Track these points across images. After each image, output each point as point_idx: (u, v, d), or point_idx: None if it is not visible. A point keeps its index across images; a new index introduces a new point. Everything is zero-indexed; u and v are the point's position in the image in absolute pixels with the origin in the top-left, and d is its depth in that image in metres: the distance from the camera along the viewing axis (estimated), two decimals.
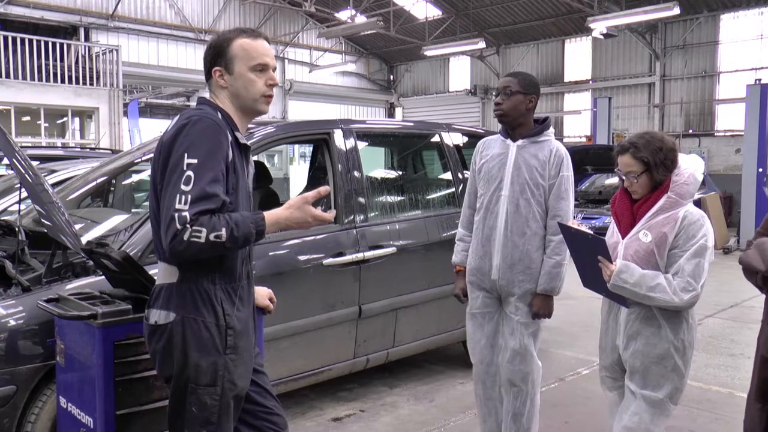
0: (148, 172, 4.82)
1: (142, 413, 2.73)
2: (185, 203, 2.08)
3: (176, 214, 2.07)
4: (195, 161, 2.12)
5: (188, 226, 2.06)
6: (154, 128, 18.72)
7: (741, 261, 2.65)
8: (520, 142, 3.49)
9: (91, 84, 16.30)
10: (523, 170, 3.44)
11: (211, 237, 2.08)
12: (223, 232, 2.09)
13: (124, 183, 5.30)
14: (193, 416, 2.25)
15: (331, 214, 2.34)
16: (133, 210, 4.94)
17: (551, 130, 3.54)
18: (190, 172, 2.11)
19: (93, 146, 13.81)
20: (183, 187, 2.09)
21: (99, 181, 4.64)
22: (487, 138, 3.73)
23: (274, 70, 2.40)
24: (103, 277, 3.05)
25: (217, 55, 2.34)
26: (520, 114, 3.45)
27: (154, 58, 21.38)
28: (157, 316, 2.27)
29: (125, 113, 17.86)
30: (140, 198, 5.74)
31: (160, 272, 2.31)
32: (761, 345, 2.55)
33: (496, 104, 3.48)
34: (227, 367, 2.26)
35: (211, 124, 2.21)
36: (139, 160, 4.54)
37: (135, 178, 5.38)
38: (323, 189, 2.31)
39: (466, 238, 3.73)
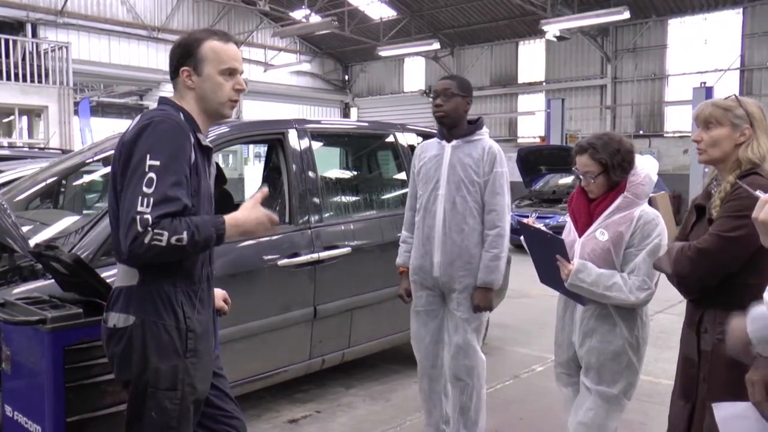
0: (101, 172, 4.78)
1: (94, 419, 2.67)
2: (147, 206, 2.05)
3: (138, 217, 2.04)
4: (157, 163, 2.10)
5: (149, 229, 2.04)
6: (107, 128, 18.38)
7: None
8: (454, 142, 3.62)
9: (40, 82, 15.88)
10: (458, 169, 3.57)
11: (173, 240, 2.06)
12: (185, 235, 2.08)
13: (75, 184, 5.19)
14: (152, 421, 2.22)
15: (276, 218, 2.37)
16: (84, 211, 4.83)
17: (484, 129, 3.67)
18: (152, 174, 2.08)
19: (42, 146, 13.47)
20: (145, 189, 2.07)
21: (48, 181, 4.54)
22: (424, 142, 3.85)
23: (241, 74, 2.38)
24: (53, 280, 2.98)
25: (187, 55, 2.30)
26: (459, 115, 3.60)
27: (105, 56, 20.96)
28: (116, 319, 2.23)
29: (76, 112, 17.48)
30: (92, 199, 5.62)
31: (119, 274, 2.27)
32: (682, 345, 2.65)
33: (437, 106, 3.59)
34: (187, 370, 2.24)
35: (174, 125, 2.18)
36: (91, 160, 4.45)
37: (86, 178, 5.27)
38: (263, 191, 2.36)
39: (409, 240, 3.86)
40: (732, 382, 2.38)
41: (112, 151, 2.29)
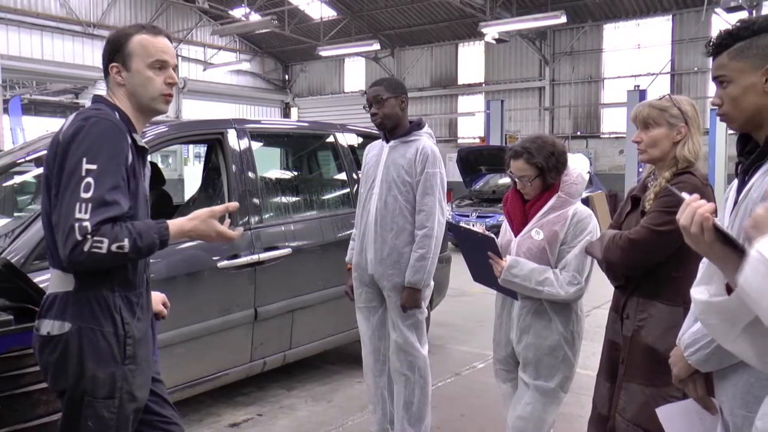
0: (33, 173, 4.63)
1: (26, 431, 2.60)
2: (85, 212, 2.00)
3: (76, 224, 1.99)
4: (94, 167, 2.04)
5: (89, 236, 1.99)
6: (40, 127, 17.78)
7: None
8: (392, 143, 3.69)
9: None
10: (391, 169, 3.63)
11: (113, 248, 2.02)
12: (126, 242, 2.04)
13: (5, 185, 5.02)
14: (89, 431, 2.16)
15: (237, 232, 2.34)
16: (15, 214, 4.68)
17: (424, 130, 3.71)
18: (89, 179, 2.03)
19: None
20: (83, 194, 2.01)
21: None
22: (372, 143, 3.91)
23: (175, 68, 2.33)
24: None
25: (115, 51, 2.26)
26: (397, 116, 3.65)
27: (38, 52, 20.26)
28: (50, 326, 2.15)
29: (6, 110, 16.89)
30: (24, 201, 5.44)
31: (53, 280, 2.20)
32: (608, 329, 2.81)
33: (373, 114, 3.63)
34: (126, 377, 2.18)
35: (111, 126, 2.13)
36: (23, 160, 4.31)
37: (18, 179, 5.10)
38: (232, 205, 2.38)
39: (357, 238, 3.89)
40: (647, 366, 2.55)
41: (46, 151, 2.23)
